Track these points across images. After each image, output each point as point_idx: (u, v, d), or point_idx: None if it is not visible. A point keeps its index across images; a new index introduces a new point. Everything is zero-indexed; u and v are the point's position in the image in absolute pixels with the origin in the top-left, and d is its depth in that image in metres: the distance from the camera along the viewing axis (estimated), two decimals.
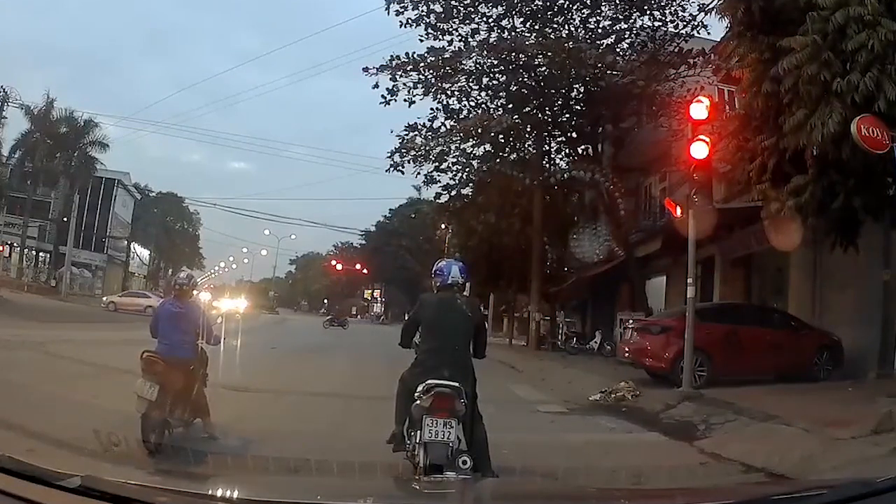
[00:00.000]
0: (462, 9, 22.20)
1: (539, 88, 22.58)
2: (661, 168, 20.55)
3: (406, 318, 5.98)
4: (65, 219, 43.28)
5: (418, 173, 24.17)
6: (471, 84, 23.36)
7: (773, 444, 6.71)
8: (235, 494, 2.18)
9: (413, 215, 51.86)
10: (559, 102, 23.28)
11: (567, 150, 25.15)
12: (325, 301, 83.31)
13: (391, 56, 21.78)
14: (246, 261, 76.16)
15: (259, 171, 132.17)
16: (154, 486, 2.05)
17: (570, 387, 12.65)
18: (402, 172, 23.53)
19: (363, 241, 67.80)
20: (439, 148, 23.25)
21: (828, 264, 12.97)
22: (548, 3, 21.78)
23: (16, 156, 40.25)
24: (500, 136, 22.53)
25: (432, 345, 4.93)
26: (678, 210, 11.44)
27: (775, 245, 12.06)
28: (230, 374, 8.93)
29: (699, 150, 10.28)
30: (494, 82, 23.38)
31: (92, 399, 7.40)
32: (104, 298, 35.39)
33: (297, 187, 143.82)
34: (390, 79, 22.01)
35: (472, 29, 22.45)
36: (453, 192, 25.47)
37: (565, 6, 21.86)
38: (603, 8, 21.84)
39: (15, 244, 44.31)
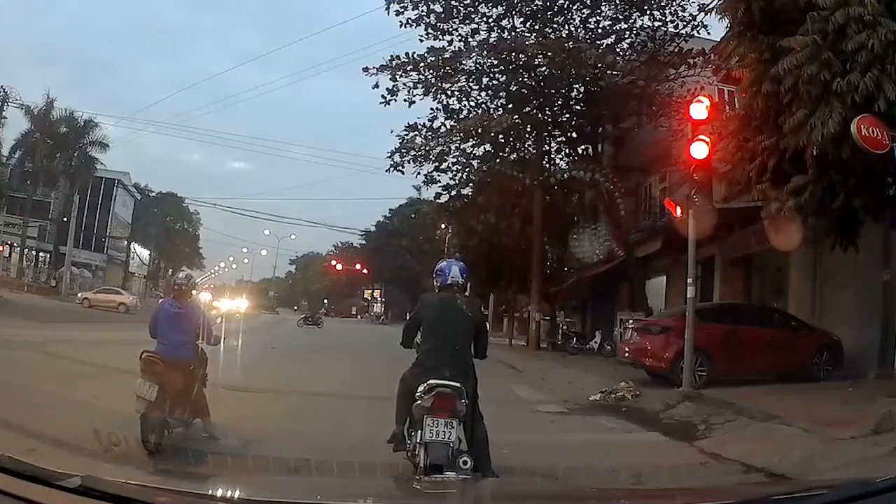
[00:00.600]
0: (462, 9, 22.21)
1: (539, 88, 22.58)
2: (661, 168, 20.54)
3: (406, 318, 5.98)
4: (65, 219, 43.29)
5: (418, 173, 24.23)
6: (471, 84, 23.37)
7: (773, 444, 6.71)
8: (235, 494, 2.18)
9: (413, 215, 51.81)
10: (559, 102, 23.28)
11: (567, 150, 25.15)
12: (325, 301, 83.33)
13: (391, 56, 21.82)
14: (246, 261, 76.19)
15: (259, 171, 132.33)
16: (154, 486, 2.05)
17: (570, 387, 12.65)
18: (402, 172, 23.57)
19: (363, 241, 67.82)
20: (439, 148, 23.24)
21: (828, 264, 12.98)
22: (548, 3, 21.78)
23: (16, 156, 40.26)
24: (500, 136, 22.52)
25: (433, 345, 4.94)
26: (678, 210, 11.44)
27: (775, 245, 12.06)
28: (230, 374, 8.93)
29: (699, 150, 10.28)
30: (494, 82, 23.39)
31: (92, 399, 7.40)
32: (79, 295, 35.38)
33: (297, 187, 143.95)
34: (390, 79, 22.04)
35: (472, 29, 22.49)
36: (453, 192, 25.48)
37: (565, 6, 21.86)
38: (603, 8, 21.83)
39: (15, 244, 44.31)
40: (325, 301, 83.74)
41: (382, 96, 22.34)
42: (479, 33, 22.49)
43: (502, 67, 22.54)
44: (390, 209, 63.07)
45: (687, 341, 10.46)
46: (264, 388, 9.83)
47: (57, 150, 39.72)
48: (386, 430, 5.10)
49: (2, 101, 35.40)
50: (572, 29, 22.09)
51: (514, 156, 24.41)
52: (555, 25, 21.87)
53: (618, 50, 21.85)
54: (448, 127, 23.19)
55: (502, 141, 23.37)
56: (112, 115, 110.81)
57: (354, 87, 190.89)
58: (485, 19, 22.44)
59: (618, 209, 22.12)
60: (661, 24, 21.33)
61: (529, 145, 24.23)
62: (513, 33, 22.11)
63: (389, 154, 22.97)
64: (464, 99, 23.74)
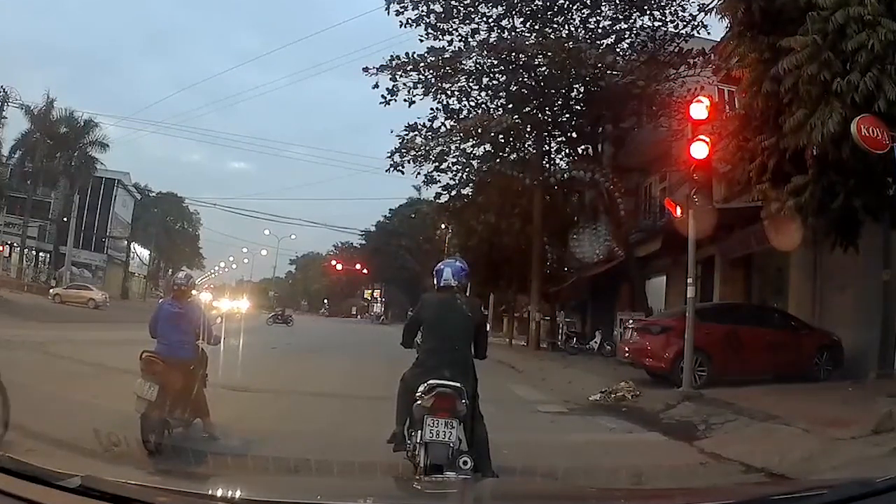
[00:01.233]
0: (462, 9, 22.21)
1: (539, 88, 22.59)
2: (661, 168, 20.54)
3: (406, 318, 5.98)
4: (65, 219, 43.30)
5: (418, 173, 24.24)
6: (471, 84, 23.37)
7: (773, 444, 6.71)
8: (235, 494, 2.18)
9: (413, 215, 51.80)
10: (559, 102, 23.28)
11: (567, 150, 25.16)
12: (325, 301, 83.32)
13: (391, 56, 21.84)
14: (246, 261, 76.18)
15: (259, 171, 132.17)
16: (154, 486, 2.05)
17: (570, 387, 12.65)
18: (402, 172, 23.58)
19: (363, 241, 67.79)
20: (439, 148, 23.26)
21: (828, 264, 12.98)
22: (548, 3, 21.79)
23: (16, 156, 40.24)
24: (500, 136, 22.53)
25: (433, 345, 4.94)
26: (678, 210, 11.44)
27: (775, 245, 12.06)
28: (230, 374, 8.93)
29: (699, 150, 10.28)
30: (494, 82, 23.39)
31: (92, 399, 7.40)
32: (51, 290, 35.40)
33: (297, 187, 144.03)
34: (390, 79, 22.05)
35: (472, 29, 22.49)
36: (453, 192, 25.50)
37: (565, 6, 21.86)
38: (603, 8, 21.84)
39: (15, 244, 44.29)
40: (325, 301, 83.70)
41: (382, 96, 22.38)
42: (479, 33, 22.53)
43: (502, 67, 22.55)
44: (390, 209, 63.13)
45: (687, 341, 10.46)
46: (264, 387, 9.83)
47: (57, 150, 39.71)
48: (386, 430, 5.10)
49: (2, 101, 35.39)
50: (572, 29, 22.09)
51: (514, 156, 24.42)
52: (555, 25, 21.87)
53: (618, 50, 21.86)
54: (448, 127, 23.22)
55: (502, 141, 23.37)
56: (112, 115, 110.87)
57: (354, 87, 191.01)
58: (485, 19, 22.45)
59: (618, 209, 22.12)
60: (661, 24, 21.35)
61: (529, 145, 24.23)
62: (513, 33, 22.12)
63: (389, 154, 23.02)
64: (464, 99, 23.78)
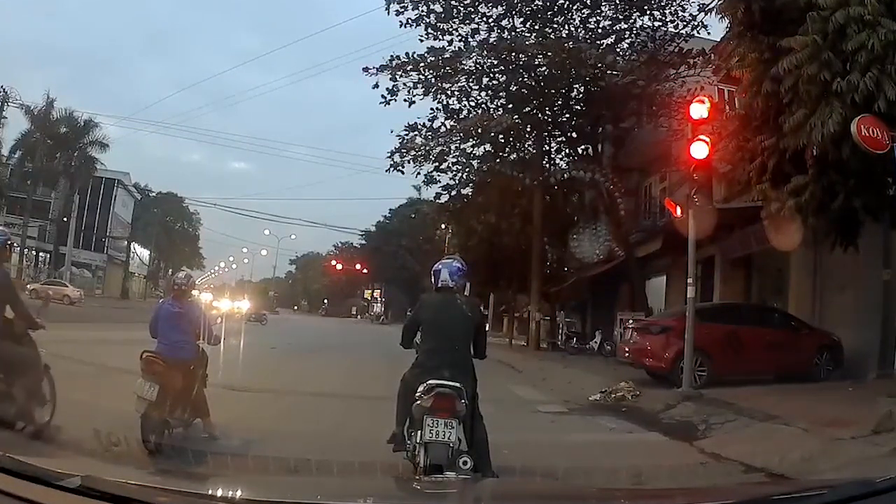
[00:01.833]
0: (462, 9, 22.21)
1: (539, 88, 22.58)
2: (661, 168, 20.55)
3: (406, 318, 5.98)
4: (65, 219, 43.34)
5: (418, 173, 24.23)
6: (471, 84, 23.37)
7: (773, 444, 6.71)
8: (235, 494, 2.17)
9: (413, 215, 51.79)
10: (559, 102, 23.29)
11: (567, 150, 25.15)
12: (325, 301, 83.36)
13: (391, 56, 21.83)
14: (246, 261, 76.19)
15: (259, 171, 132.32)
16: (154, 486, 2.05)
17: (570, 387, 12.65)
18: (402, 172, 23.57)
19: (363, 241, 67.82)
20: (439, 148, 23.24)
21: (828, 264, 12.98)
22: (548, 3, 21.79)
23: (16, 156, 40.25)
24: (500, 136, 22.53)
25: (433, 345, 4.93)
26: (678, 210, 11.43)
27: (775, 245, 12.05)
28: (230, 374, 8.93)
29: (699, 150, 10.28)
30: (494, 82, 23.38)
31: (92, 399, 7.39)
32: (28, 286, 35.37)
33: (297, 187, 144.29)
34: (390, 79, 22.05)
35: (472, 29, 22.49)
36: (453, 192, 25.50)
37: (565, 6, 21.86)
38: (603, 8, 21.84)
39: (15, 244, 44.26)
40: (325, 301, 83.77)
41: (382, 96, 22.38)
42: (479, 33, 22.54)
43: (502, 67, 22.54)
44: (390, 209, 63.17)
45: (687, 341, 10.46)
46: (264, 387, 9.83)
47: (57, 150, 39.73)
48: (386, 430, 5.09)
49: (2, 101, 35.40)
50: (572, 29, 22.10)
51: (514, 156, 24.41)
52: (555, 25, 21.88)
53: (618, 50, 21.86)
54: (448, 127, 23.21)
55: (502, 141, 23.37)
56: (112, 115, 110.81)
57: (354, 87, 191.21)
58: (485, 19, 22.45)
59: (618, 209, 22.12)
60: (661, 24, 21.36)
61: (529, 145, 24.23)
62: (513, 33, 22.12)
63: (389, 154, 23.00)
64: (464, 99, 23.76)
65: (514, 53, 21.10)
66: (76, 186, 42.27)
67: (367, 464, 4.81)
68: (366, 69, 22.00)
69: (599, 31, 22.24)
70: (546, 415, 9.65)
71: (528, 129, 23.38)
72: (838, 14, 7.81)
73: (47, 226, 46.35)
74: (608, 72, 20.51)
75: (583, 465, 5.90)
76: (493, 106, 23.82)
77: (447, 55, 21.85)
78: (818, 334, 12.66)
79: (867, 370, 11.14)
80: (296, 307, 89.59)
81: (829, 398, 9.40)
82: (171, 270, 59.43)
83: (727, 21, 10.35)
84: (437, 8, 21.99)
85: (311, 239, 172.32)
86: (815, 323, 13.18)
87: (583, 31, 22.05)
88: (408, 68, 21.81)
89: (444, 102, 23.52)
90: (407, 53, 21.71)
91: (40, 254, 47.78)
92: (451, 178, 24.73)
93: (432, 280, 5.22)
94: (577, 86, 22.61)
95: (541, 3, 21.85)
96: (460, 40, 22.50)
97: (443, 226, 34.87)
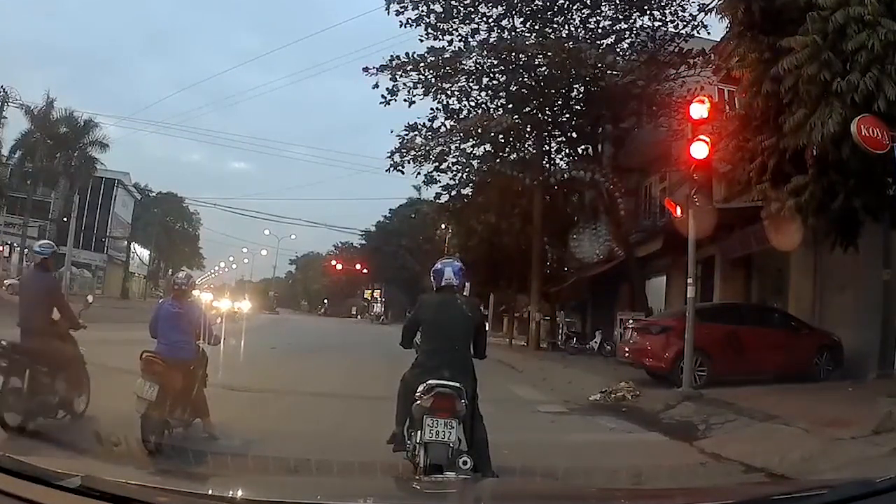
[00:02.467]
0: (462, 9, 22.20)
1: (539, 88, 22.57)
2: (661, 168, 20.53)
3: (406, 318, 5.99)
4: (65, 219, 43.24)
5: (418, 173, 24.21)
6: (471, 84, 23.36)
7: (773, 444, 6.71)
8: (235, 494, 2.17)
9: (413, 215, 51.75)
10: (559, 102, 23.28)
11: (567, 150, 25.14)
12: (325, 301, 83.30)
13: (391, 56, 21.82)
14: (246, 261, 76.20)
15: (259, 171, 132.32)
16: (154, 486, 2.05)
17: (570, 387, 12.65)
18: (402, 172, 23.56)
19: (363, 241, 67.76)
20: (439, 148, 23.23)
21: (828, 264, 12.97)
22: (548, 3, 21.78)
23: (16, 156, 40.21)
24: (500, 136, 22.52)
25: (433, 345, 4.94)
26: (678, 210, 11.43)
27: (775, 245, 12.05)
28: (230, 374, 8.93)
29: (699, 150, 10.28)
30: (494, 82, 23.37)
31: (92, 399, 7.39)
32: (5, 282, 35.18)
33: (297, 187, 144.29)
34: (390, 79, 22.04)
35: (472, 29, 22.48)
36: (453, 192, 25.48)
37: (565, 6, 21.86)
38: (603, 8, 21.83)
39: (15, 244, 44.27)
40: (325, 301, 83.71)
41: (382, 96, 22.37)
42: (479, 33, 22.52)
43: (502, 67, 22.53)
44: (390, 209, 63.07)
45: (687, 341, 10.46)
46: (264, 388, 9.83)
47: (57, 150, 39.66)
48: (386, 430, 5.10)
49: (2, 101, 35.37)
50: (572, 29, 22.09)
51: (514, 156, 24.40)
52: (555, 25, 21.87)
53: (618, 50, 21.85)
54: (448, 127, 23.20)
55: (502, 141, 23.37)
56: (112, 115, 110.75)
57: (354, 87, 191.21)
58: (485, 19, 22.44)
59: (618, 209, 22.11)
60: (661, 24, 21.35)
61: (529, 145, 24.21)
62: (513, 33, 22.10)
63: (389, 154, 22.99)
64: (464, 99, 23.75)
65: (514, 53, 21.09)
66: (76, 186, 42.18)
67: (367, 464, 4.81)
68: (366, 69, 22.02)
69: (599, 31, 22.23)
70: (546, 415, 9.65)
71: (528, 129, 23.36)
72: (838, 14, 7.81)
73: (47, 226, 46.28)
74: (608, 72, 20.51)
75: (583, 465, 5.90)
76: (493, 106, 23.82)
77: (447, 55, 21.85)
78: (818, 334, 12.66)
79: (867, 370, 11.14)
80: (297, 307, 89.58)
81: (829, 398, 9.40)
82: (171, 270, 59.42)
83: (727, 21, 10.35)
84: (437, 8, 21.99)
85: (311, 239, 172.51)
86: (815, 323, 13.18)
87: (583, 31, 22.05)
88: (408, 68, 21.80)
89: (444, 102, 23.55)
90: (407, 53, 21.73)
91: None
92: (451, 178, 24.76)
93: (433, 280, 5.22)
94: (577, 86, 22.60)
95: (541, 3, 21.85)
96: (460, 40, 22.52)
97: (443, 226, 34.86)
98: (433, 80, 22.46)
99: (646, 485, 4.80)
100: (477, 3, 22.12)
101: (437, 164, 23.79)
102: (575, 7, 21.86)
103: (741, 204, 12.83)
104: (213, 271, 79.55)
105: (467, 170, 24.69)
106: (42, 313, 6.46)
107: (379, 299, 70.24)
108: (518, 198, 24.07)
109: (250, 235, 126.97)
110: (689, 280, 11.00)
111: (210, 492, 2.24)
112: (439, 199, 26.91)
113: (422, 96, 22.59)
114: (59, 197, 44.69)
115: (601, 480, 4.94)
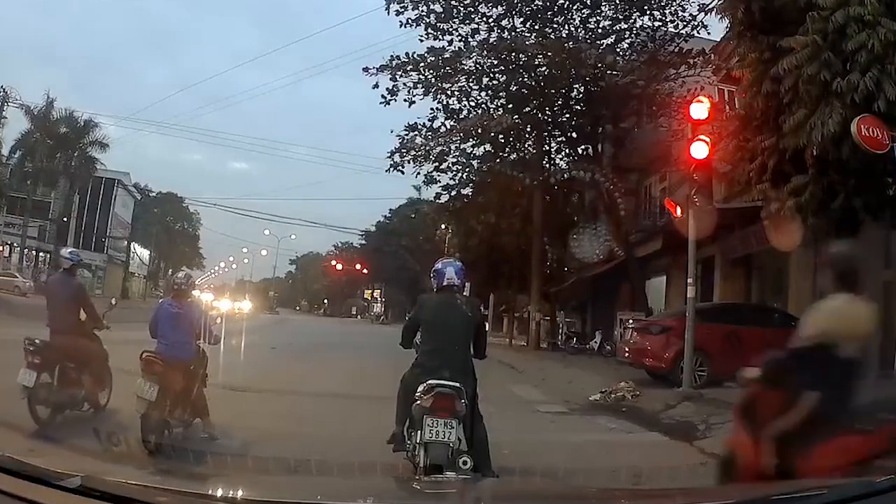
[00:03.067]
0: (462, 9, 22.20)
1: (539, 88, 22.57)
2: (661, 168, 20.55)
3: (406, 318, 5.99)
4: (65, 219, 43.30)
5: (418, 173, 24.20)
6: (471, 84, 23.35)
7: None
8: (235, 494, 2.17)
9: (413, 215, 51.76)
10: (559, 102, 23.27)
11: (567, 150, 25.13)
12: (325, 301, 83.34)
13: (391, 56, 21.80)
14: (246, 261, 76.25)
15: (259, 171, 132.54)
16: (154, 486, 2.05)
17: (570, 387, 12.65)
18: (402, 172, 23.55)
19: (363, 241, 67.77)
20: (439, 148, 23.23)
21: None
22: (548, 3, 21.78)
23: (16, 156, 40.21)
24: (500, 136, 22.53)
25: (432, 345, 4.94)
26: (678, 210, 11.44)
27: (775, 245, 12.04)
28: (230, 374, 8.93)
29: (699, 150, 10.29)
30: (494, 82, 23.37)
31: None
32: None
33: (298, 187, 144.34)
34: (390, 79, 22.03)
35: (472, 29, 22.47)
36: (453, 192, 25.48)
37: (565, 6, 21.86)
38: (603, 8, 21.83)
39: (15, 244, 44.27)
40: (325, 301, 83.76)
41: (382, 96, 22.36)
42: (479, 33, 22.51)
43: (502, 67, 22.53)
44: (390, 209, 63.03)
45: (687, 341, 10.46)
46: (264, 387, 9.83)
47: (57, 150, 39.68)
48: (386, 430, 5.10)
49: (2, 101, 35.37)
50: (572, 29, 22.09)
51: (514, 156, 24.40)
52: (555, 25, 21.86)
53: (618, 50, 21.83)
54: (448, 127, 23.19)
55: (502, 141, 23.37)
56: (112, 115, 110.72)
57: (355, 87, 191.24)
58: (485, 19, 22.44)
59: (618, 209, 22.09)
60: (661, 24, 21.33)
61: (529, 145, 24.22)
62: (513, 33, 22.10)
63: (389, 154, 22.98)
64: (464, 99, 23.74)
65: (514, 53, 21.08)
66: (76, 186, 42.24)
67: (367, 464, 4.81)
68: (366, 69, 22.01)
69: (599, 31, 22.23)
70: (546, 415, 9.65)
71: (528, 129, 23.36)
72: (838, 14, 7.81)
73: (47, 226, 46.31)
74: (608, 72, 20.48)
75: (583, 465, 5.91)
76: (493, 106, 23.81)
77: (447, 55, 21.83)
78: None
79: (867, 370, 11.13)
80: (297, 307, 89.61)
81: None
82: (171, 270, 59.47)
83: (727, 21, 10.36)
84: (437, 8, 21.98)
85: (311, 239, 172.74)
86: None
87: (583, 31, 22.04)
88: (408, 68, 21.80)
89: (444, 102, 23.54)
90: (407, 53, 21.72)
91: (40, 254, 47.75)
92: (451, 178, 24.75)
93: (433, 280, 5.22)
94: (577, 86, 22.60)
95: (541, 3, 21.84)
96: (460, 40, 22.51)
97: (443, 226, 34.86)
98: (433, 80, 22.46)
99: (646, 485, 4.79)
100: (477, 3, 22.12)
101: (437, 164, 23.80)
102: (575, 7, 21.86)
103: (741, 204, 12.84)
104: (213, 271, 79.73)
105: (467, 170, 24.71)
106: (70, 314, 6.91)
107: (379, 299, 70.32)
108: (518, 198, 24.07)
109: (250, 235, 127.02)
110: (689, 280, 11.01)
111: (210, 492, 2.23)
112: (439, 199, 26.93)
113: (422, 96, 22.62)
114: (59, 197, 44.71)
115: (601, 480, 4.94)
